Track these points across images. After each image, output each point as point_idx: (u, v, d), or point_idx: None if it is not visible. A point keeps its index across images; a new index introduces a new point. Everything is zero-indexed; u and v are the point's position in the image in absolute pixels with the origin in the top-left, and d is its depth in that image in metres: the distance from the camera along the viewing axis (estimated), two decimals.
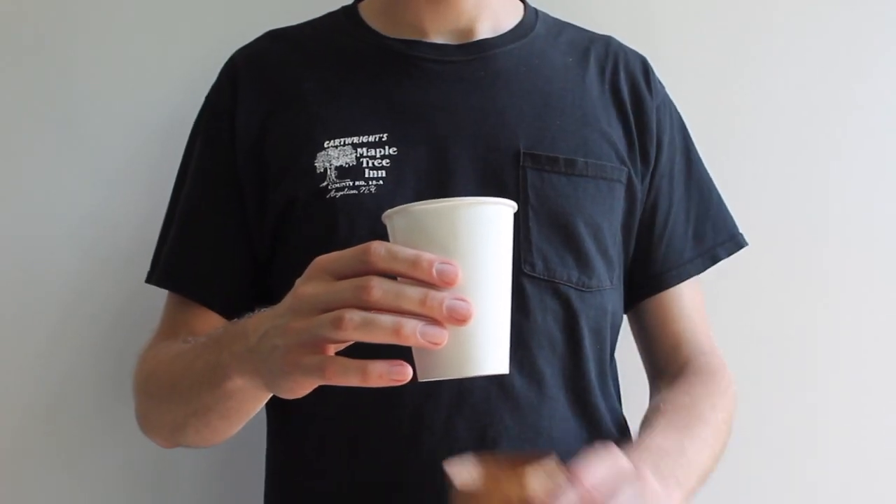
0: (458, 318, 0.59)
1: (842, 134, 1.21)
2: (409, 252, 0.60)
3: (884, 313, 1.21)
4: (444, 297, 0.59)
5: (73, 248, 1.16)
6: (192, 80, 1.09)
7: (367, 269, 0.61)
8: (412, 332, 0.59)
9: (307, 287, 0.63)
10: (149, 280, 0.97)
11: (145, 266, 0.98)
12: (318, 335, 0.61)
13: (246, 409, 0.80)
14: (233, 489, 1.17)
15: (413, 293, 0.59)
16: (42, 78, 1.16)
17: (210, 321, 0.94)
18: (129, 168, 1.17)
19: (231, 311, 0.95)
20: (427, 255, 0.60)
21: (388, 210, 0.64)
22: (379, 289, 0.59)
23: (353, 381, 0.61)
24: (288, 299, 0.65)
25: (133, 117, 1.17)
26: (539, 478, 0.63)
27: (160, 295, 0.98)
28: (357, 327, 0.59)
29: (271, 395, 0.72)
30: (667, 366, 0.98)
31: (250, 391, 0.74)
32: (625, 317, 1.00)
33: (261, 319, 0.69)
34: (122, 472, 1.17)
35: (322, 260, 0.64)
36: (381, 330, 0.59)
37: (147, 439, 0.94)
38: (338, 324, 0.59)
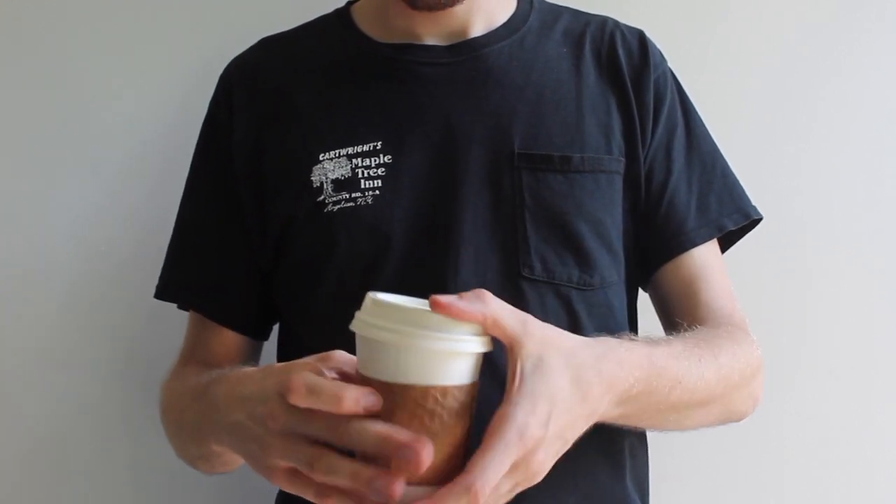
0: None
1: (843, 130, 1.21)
2: (329, 388, 0.61)
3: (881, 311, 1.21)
4: (371, 477, 0.60)
5: (73, 249, 1.16)
6: (192, 80, 1.09)
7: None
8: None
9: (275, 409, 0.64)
10: (156, 295, 0.98)
11: (145, 266, 0.98)
12: (292, 463, 0.64)
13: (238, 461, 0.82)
14: (245, 490, 1.16)
15: (343, 469, 0.61)
16: (41, 78, 1.16)
17: (227, 341, 0.95)
18: (131, 169, 1.16)
19: (248, 327, 0.95)
20: (349, 393, 0.61)
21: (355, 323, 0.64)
22: (322, 464, 0.62)
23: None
24: (258, 407, 0.66)
25: (134, 118, 1.16)
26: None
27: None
28: (325, 474, 0.62)
29: None
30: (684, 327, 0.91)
31: (232, 455, 0.75)
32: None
33: (230, 398, 0.71)
34: (129, 474, 1.17)
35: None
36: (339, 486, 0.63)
37: (153, 440, 0.95)
38: (310, 466, 0.63)
